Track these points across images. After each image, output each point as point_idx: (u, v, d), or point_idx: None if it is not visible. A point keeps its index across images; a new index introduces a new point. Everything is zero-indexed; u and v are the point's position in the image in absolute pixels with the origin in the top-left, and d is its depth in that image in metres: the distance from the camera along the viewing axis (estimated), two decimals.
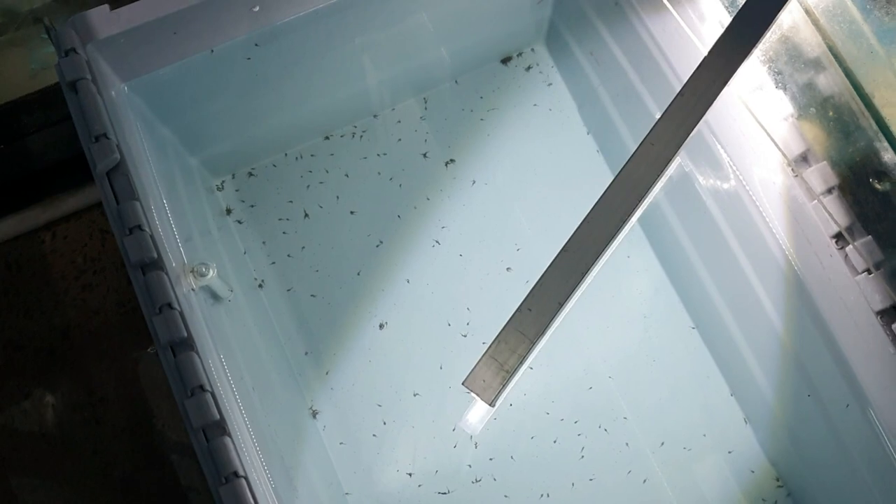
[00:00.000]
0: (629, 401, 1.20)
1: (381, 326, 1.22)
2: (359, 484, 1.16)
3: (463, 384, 0.74)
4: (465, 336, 1.21)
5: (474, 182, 1.27)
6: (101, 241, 1.39)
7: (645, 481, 1.17)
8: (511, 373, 0.73)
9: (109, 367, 1.36)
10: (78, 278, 1.39)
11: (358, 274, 1.23)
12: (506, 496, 1.17)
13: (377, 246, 1.24)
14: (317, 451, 1.14)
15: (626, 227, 0.76)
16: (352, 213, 1.25)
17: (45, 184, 1.40)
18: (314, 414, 1.18)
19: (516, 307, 0.76)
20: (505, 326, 0.74)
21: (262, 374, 1.07)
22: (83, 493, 1.29)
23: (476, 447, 1.18)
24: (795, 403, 1.07)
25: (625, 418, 1.19)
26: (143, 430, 1.33)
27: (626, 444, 1.19)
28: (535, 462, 1.18)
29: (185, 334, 0.80)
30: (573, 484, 1.17)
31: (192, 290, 0.89)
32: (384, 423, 1.18)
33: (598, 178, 1.28)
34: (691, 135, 0.76)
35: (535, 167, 1.28)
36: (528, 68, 1.33)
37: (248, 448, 0.81)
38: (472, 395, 0.74)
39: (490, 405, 0.74)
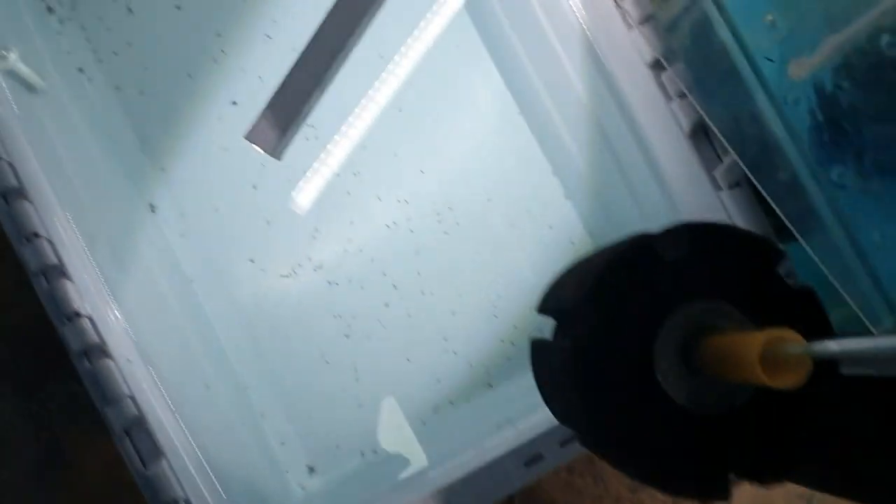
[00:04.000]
0: (461, 185, 1.27)
1: (218, 120, 1.23)
2: (202, 272, 1.21)
3: (244, 137, 0.78)
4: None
5: None
6: None
7: (476, 255, 1.26)
8: (290, 124, 0.77)
9: None
10: None
11: (189, 75, 1.23)
12: (345, 278, 1.24)
13: (206, 42, 1.23)
14: (155, 243, 1.18)
15: None
16: (178, 7, 1.23)
17: None
18: (152, 208, 1.21)
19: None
20: (283, 80, 0.77)
21: (90, 167, 1.09)
22: None
23: (316, 231, 1.24)
24: (603, 173, 1.16)
25: (453, 202, 1.26)
26: (10, 256, 1.34)
27: (458, 223, 1.26)
28: (372, 246, 1.25)
29: None
30: (413, 264, 1.25)
31: None
32: (224, 216, 1.22)
33: None
34: None
35: None
36: None
37: (55, 215, 0.84)
38: (256, 147, 0.78)
39: (274, 157, 0.79)
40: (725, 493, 0.54)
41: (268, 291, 1.23)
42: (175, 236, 1.21)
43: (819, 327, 0.56)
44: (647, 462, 0.54)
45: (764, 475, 0.55)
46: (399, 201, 1.25)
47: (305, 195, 1.13)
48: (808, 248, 0.83)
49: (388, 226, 1.25)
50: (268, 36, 1.25)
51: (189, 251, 1.21)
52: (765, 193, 0.85)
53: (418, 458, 1.17)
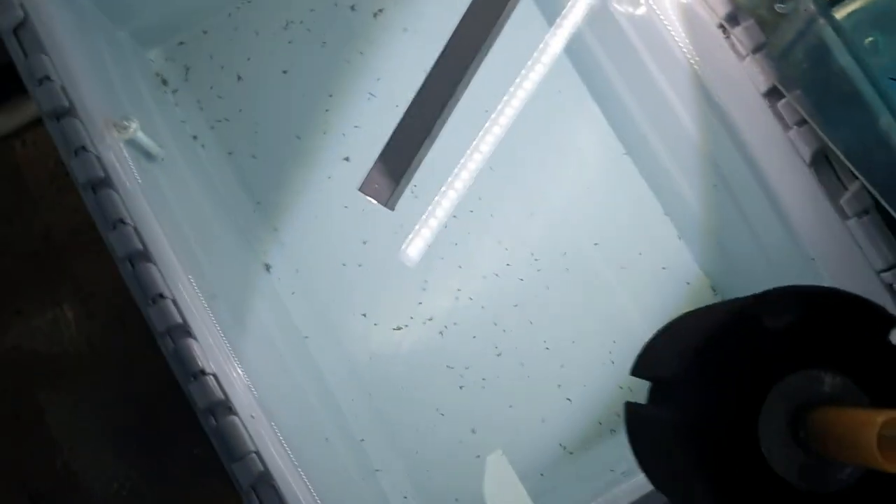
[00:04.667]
0: (569, 229, 1.25)
1: (328, 178, 1.26)
2: (316, 328, 1.23)
3: (359, 190, 0.79)
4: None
5: (406, 29, 1.29)
6: None
7: (589, 301, 1.23)
8: (402, 174, 0.78)
9: (94, 262, 1.42)
10: (52, 182, 1.43)
11: (298, 137, 1.27)
12: (457, 328, 1.23)
13: (313, 103, 1.27)
14: (272, 302, 1.21)
15: (501, 25, 0.78)
16: (284, 72, 1.28)
17: (3, 88, 1.42)
18: (268, 268, 1.24)
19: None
20: (393, 132, 0.78)
21: (208, 231, 1.13)
22: (83, 388, 1.36)
23: (426, 282, 1.24)
24: (718, 209, 1.12)
25: (562, 246, 1.24)
26: (134, 318, 1.39)
27: (567, 269, 1.24)
28: (482, 294, 1.24)
29: (103, 174, 0.84)
30: (525, 312, 1.23)
31: (118, 144, 0.93)
32: (336, 270, 1.24)
33: (526, 19, 1.29)
34: None
35: (465, 7, 1.29)
36: None
37: (178, 276, 0.86)
38: (370, 199, 0.79)
39: (387, 207, 0.79)
40: None
41: (380, 345, 1.23)
42: (288, 294, 1.23)
43: None
44: None
45: None
46: (507, 249, 1.24)
47: (414, 247, 1.13)
48: None
49: (497, 274, 1.24)
50: (371, 94, 1.28)
51: (303, 308, 1.23)
52: None
53: None
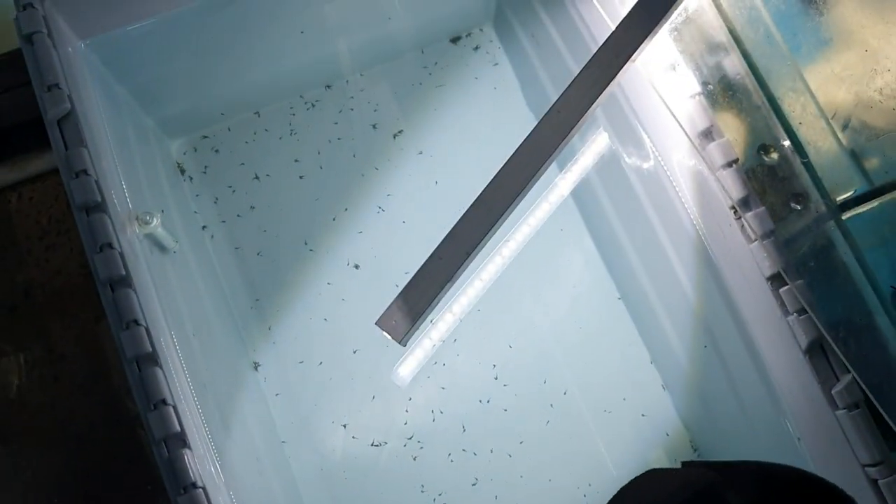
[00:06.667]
0: (556, 364, 1.27)
1: (327, 284, 1.28)
2: (295, 433, 1.23)
3: (375, 324, 0.81)
4: None
5: (421, 153, 1.34)
6: (66, 204, 1.43)
7: (569, 438, 1.24)
8: (420, 315, 0.80)
9: (69, 326, 1.40)
10: (42, 238, 1.43)
11: (305, 242, 1.29)
12: (436, 450, 1.23)
13: (324, 210, 1.30)
14: (255, 401, 1.21)
15: (532, 184, 0.82)
16: (301, 177, 1.31)
17: (11, 145, 1.44)
18: (255, 366, 1.24)
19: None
20: (417, 272, 0.81)
21: (205, 323, 1.13)
22: (38, 448, 1.33)
23: (410, 401, 1.25)
24: (705, 369, 1.15)
25: (548, 381, 1.26)
26: (101, 387, 1.37)
27: (551, 405, 1.26)
28: (465, 419, 1.25)
29: (124, 273, 0.85)
30: (504, 443, 1.24)
31: (137, 237, 0.94)
32: (322, 378, 1.25)
33: None
34: (595, 104, 0.83)
35: (479, 140, 1.34)
36: (476, 48, 1.39)
37: (180, 381, 0.87)
38: (385, 334, 0.81)
39: (401, 344, 0.81)
40: None
41: (356, 458, 1.22)
42: (272, 395, 1.23)
43: None
44: None
45: None
46: (496, 378, 1.26)
47: (406, 367, 1.15)
48: None
49: (480, 401, 1.25)
50: (380, 208, 1.31)
51: (285, 411, 1.23)
52: (887, 417, 0.83)
53: None
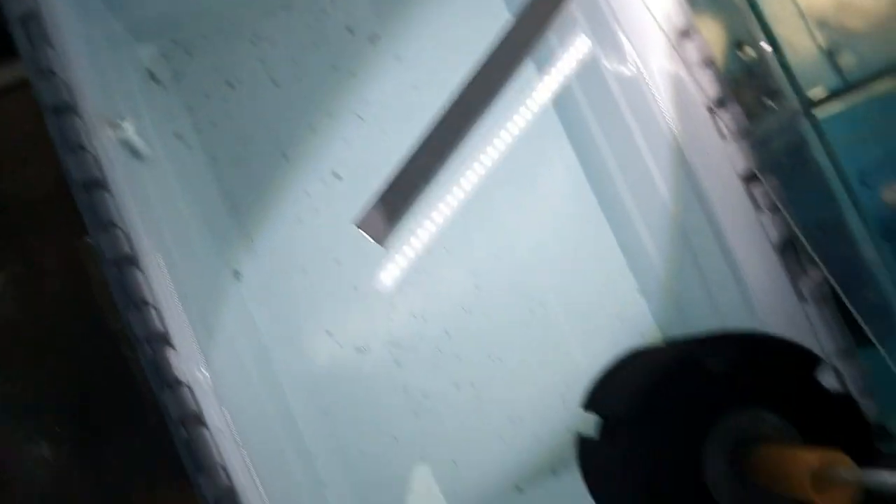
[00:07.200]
0: (535, 272, 1.29)
1: (306, 194, 1.27)
2: (280, 342, 1.24)
3: (355, 224, 0.81)
4: None
5: (398, 58, 1.31)
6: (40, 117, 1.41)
7: (547, 343, 1.27)
8: (400, 215, 0.80)
9: (49, 242, 1.39)
10: (14, 152, 1.40)
11: (281, 148, 1.28)
12: (419, 356, 1.26)
13: (301, 118, 1.29)
14: (238, 309, 1.22)
15: (510, 78, 0.82)
16: (276, 85, 1.29)
17: None
18: (237, 275, 1.25)
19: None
20: (395, 172, 0.81)
21: (184, 233, 1.13)
22: (24, 363, 1.34)
23: (393, 308, 1.26)
24: (681, 273, 1.17)
25: (528, 289, 1.28)
26: (84, 300, 1.37)
27: (531, 311, 1.28)
28: (448, 326, 1.26)
29: (98, 175, 0.84)
30: (487, 348, 1.27)
31: (111, 141, 0.93)
32: (305, 287, 1.25)
33: None
34: None
35: (458, 45, 1.31)
36: None
37: (161, 284, 0.87)
38: (365, 235, 0.81)
39: (381, 245, 0.81)
40: None
41: (342, 364, 1.24)
42: (255, 304, 1.24)
43: (859, 433, 0.58)
44: None
45: None
46: (476, 286, 1.28)
47: (386, 273, 1.16)
48: (892, 364, 0.84)
49: (463, 308, 1.27)
50: (359, 116, 1.30)
51: (268, 319, 1.24)
52: (852, 309, 0.86)
53: None
